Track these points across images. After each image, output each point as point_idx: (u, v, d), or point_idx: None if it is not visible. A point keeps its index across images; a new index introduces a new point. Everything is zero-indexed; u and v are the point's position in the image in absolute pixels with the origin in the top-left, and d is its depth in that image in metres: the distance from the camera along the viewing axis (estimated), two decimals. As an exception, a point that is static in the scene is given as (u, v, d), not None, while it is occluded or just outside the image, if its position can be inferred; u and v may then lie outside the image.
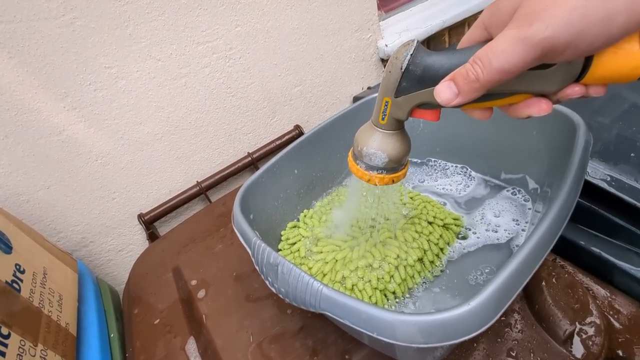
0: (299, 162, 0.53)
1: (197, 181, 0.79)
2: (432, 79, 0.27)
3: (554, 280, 0.41)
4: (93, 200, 0.69)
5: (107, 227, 0.73)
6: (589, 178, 0.43)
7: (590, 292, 0.41)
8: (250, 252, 0.38)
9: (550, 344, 0.37)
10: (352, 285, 0.43)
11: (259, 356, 0.43)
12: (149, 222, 0.75)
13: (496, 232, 0.49)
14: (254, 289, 0.51)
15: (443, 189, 0.57)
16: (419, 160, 0.62)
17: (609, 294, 0.41)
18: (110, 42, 0.60)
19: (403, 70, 0.27)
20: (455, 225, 0.49)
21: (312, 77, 0.86)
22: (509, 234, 0.48)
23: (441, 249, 0.47)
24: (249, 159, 0.82)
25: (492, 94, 0.26)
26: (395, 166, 0.34)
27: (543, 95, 0.26)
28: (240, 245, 0.40)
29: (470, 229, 0.50)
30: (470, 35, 0.27)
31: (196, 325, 0.50)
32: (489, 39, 0.24)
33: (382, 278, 0.43)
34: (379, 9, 0.89)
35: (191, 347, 0.48)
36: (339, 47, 0.86)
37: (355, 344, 0.42)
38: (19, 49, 0.54)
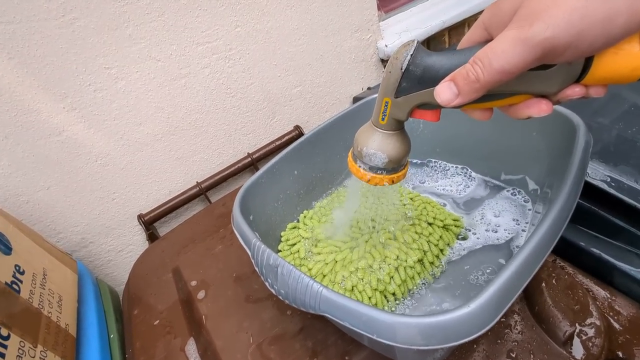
0: (299, 163, 0.53)
1: (197, 182, 0.79)
2: (432, 79, 0.27)
3: (554, 281, 0.41)
4: (93, 201, 0.69)
5: (107, 228, 0.73)
6: (589, 179, 0.43)
7: (590, 293, 0.41)
8: (250, 254, 0.38)
9: (550, 345, 0.37)
10: (352, 287, 0.43)
11: (259, 357, 0.43)
12: (149, 223, 0.75)
13: (496, 232, 0.49)
14: (254, 289, 0.51)
15: (443, 189, 0.57)
16: (420, 161, 0.62)
17: (609, 295, 0.41)
18: (110, 43, 0.60)
19: (403, 70, 0.27)
20: (455, 226, 0.49)
21: (312, 77, 0.85)
22: (508, 233, 0.48)
23: (441, 250, 0.47)
24: (249, 159, 0.82)
25: (492, 95, 0.26)
26: (395, 166, 0.34)
27: (543, 96, 0.26)
28: (240, 246, 0.40)
29: (470, 230, 0.50)
30: (470, 36, 0.27)
31: (196, 326, 0.50)
32: (489, 40, 0.24)
33: (382, 279, 0.43)
34: (378, 9, 0.89)
35: (191, 348, 0.48)
36: (338, 48, 0.86)
37: (355, 346, 0.42)
38: (18, 50, 0.54)
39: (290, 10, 0.75)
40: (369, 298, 0.42)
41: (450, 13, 0.93)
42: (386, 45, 0.89)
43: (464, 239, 0.49)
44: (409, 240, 0.46)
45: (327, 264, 0.46)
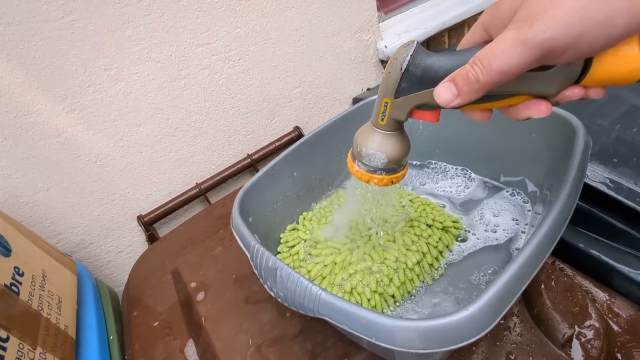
0: (298, 165, 0.53)
1: (196, 183, 0.79)
2: (432, 80, 0.27)
3: (553, 283, 0.41)
4: (92, 202, 0.69)
5: (107, 229, 0.73)
6: (588, 181, 0.43)
7: (590, 295, 0.42)
8: (249, 256, 0.38)
9: (549, 347, 0.37)
10: (351, 289, 0.43)
11: (258, 359, 0.43)
12: (149, 224, 0.75)
13: (495, 232, 0.49)
14: (253, 291, 0.51)
15: (443, 191, 0.57)
16: (420, 163, 0.62)
17: (608, 297, 0.41)
18: (109, 44, 0.60)
19: (403, 71, 0.27)
20: (455, 227, 0.49)
21: (311, 78, 0.85)
22: (508, 233, 0.48)
23: (440, 252, 0.47)
24: (249, 160, 0.82)
25: (492, 95, 0.26)
26: (394, 167, 0.34)
27: (543, 97, 0.26)
28: (240, 247, 0.40)
29: (469, 231, 0.50)
30: (470, 37, 0.27)
31: (195, 328, 0.50)
32: (488, 40, 0.24)
33: (381, 281, 0.43)
34: (378, 10, 0.89)
35: (190, 349, 0.48)
36: (338, 49, 0.86)
37: (355, 348, 0.42)
38: (18, 51, 0.54)
39: (289, 11, 0.75)
40: (368, 300, 0.42)
41: (450, 14, 0.93)
42: (386, 46, 0.89)
43: (464, 240, 0.49)
44: (408, 242, 0.46)
45: (326, 265, 0.46)
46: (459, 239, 0.49)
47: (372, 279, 0.43)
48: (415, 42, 0.27)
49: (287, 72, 0.81)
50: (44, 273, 0.49)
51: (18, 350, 0.38)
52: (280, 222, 0.53)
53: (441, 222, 0.48)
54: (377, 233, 0.47)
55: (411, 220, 0.49)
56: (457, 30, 1.00)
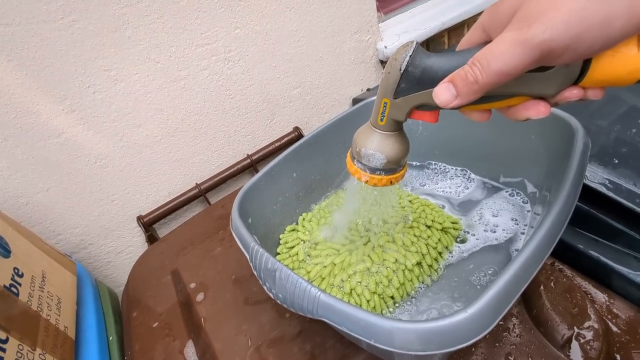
0: (298, 166, 0.53)
1: (196, 183, 0.79)
2: (431, 80, 0.27)
3: (552, 284, 0.41)
4: (92, 203, 0.69)
5: (106, 229, 0.73)
6: (587, 182, 0.43)
7: (589, 296, 0.42)
8: (248, 257, 0.38)
9: (549, 348, 0.37)
10: (351, 290, 0.43)
11: (258, 360, 0.43)
12: (148, 224, 0.75)
13: (495, 232, 0.49)
14: (253, 292, 0.51)
15: (443, 191, 0.57)
16: (419, 164, 0.62)
17: (607, 298, 0.41)
18: (109, 45, 0.60)
19: (402, 71, 0.27)
20: (454, 228, 0.49)
21: (311, 79, 0.85)
22: (507, 233, 0.48)
23: (440, 253, 0.47)
24: (248, 160, 0.82)
25: (491, 96, 0.26)
26: (393, 167, 0.34)
27: (541, 98, 0.26)
28: (239, 248, 0.40)
29: (468, 232, 0.50)
30: (469, 37, 0.27)
31: (195, 329, 0.50)
32: (487, 41, 0.25)
33: (381, 282, 0.43)
34: (378, 10, 0.89)
35: (190, 350, 0.48)
36: (338, 49, 0.86)
37: (354, 349, 0.42)
38: (17, 52, 0.54)
39: (289, 12, 0.75)
40: (368, 301, 0.42)
41: (449, 14, 0.93)
42: (385, 47, 0.89)
43: (463, 241, 0.49)
44: (408, 243, 0.46)
45: (325, 266, 0.46)
46: (458, 240, 0.49)
47: (371, 280, 0.43)
48: (415, 43, 0.27)
49: (287, 72, 0.81)
50: (43, 274, 0.49)
51: (17, 352, 0.39)
52: (280, 223, 0.53)
53: (440, 223, 0.48)
54: (376, 234, 0.47)
55: (410, 221, 0.49)
56: (456, 30, 1.00)
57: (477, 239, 0.49)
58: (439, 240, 0.47)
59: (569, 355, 0.36)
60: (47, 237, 0.67)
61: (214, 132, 0.77)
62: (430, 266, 0.45)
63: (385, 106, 0.30)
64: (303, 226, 0.53)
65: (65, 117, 0.61)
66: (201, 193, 0.78)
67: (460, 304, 0.42)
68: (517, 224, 0.49)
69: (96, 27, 0.58)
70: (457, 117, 0.34)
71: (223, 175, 0.80)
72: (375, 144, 0.33)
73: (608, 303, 0.41)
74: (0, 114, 0.56)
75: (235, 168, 0.81)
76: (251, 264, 0.38)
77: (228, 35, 0.70)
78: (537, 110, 0.26)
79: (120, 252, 0.77)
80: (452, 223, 0.49)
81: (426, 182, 0.59)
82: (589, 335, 0.37)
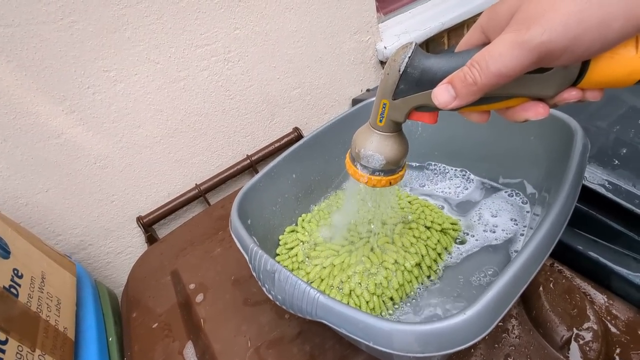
0: (297, 166, 0.53)
1: (196, 184, 0.79)
2: (430, 81, 0.27)
3: (551, 285, 0.41)
4: (92, 203, 0.69)
5: (106, 230, 0.73)
6: (586, 183, 0.43)
7: (588, 297, 0.42)
8: (247, 259, 0.38)
9: (548, 349, 0.37)
10: (350, 291, 0.43)
11: (257, 361, 0.43)
12: (148, 225, 0.75)
13: (494, 232, 0.49)
14: (252, 293, 0.51)
15: (442, 192, 0.57)
16: (419, 164, 0.62)
17: (606, 299, 0.41)
18: (108, 46, 0.60)
19: (401, 72, 0.27)
20: (453, 229, 0.49)
21: (311, 79, 0.85)
22: (507, 234, 0.48)
23: (439, 254, 0.47)
24: (248, 161, 0.82)
25: (490, 97, 0.26)
26: (392, 168, 0.34)
27: (540, 99, 0.26)
28: (238, 249, 0.40)
29: (468, 233, 0.50)
30: (468, 39, 0.27)
31: (194, 330, 0.50)
32: (486, 43, 0.25)
33: (380, 283, 0.43)
34: (377, 11, 0.89)
35: (189, 351, 0.48)
36: (337, 50, 0.86)
37: (353, 350, 0.42)
38: (17, 53, 0.54)
39: (289, 12, 0.75)
40: (367, 302, 0.42)
41: (449, 15, 0.93)
42: (385, 47, 0.89)
43: (462, 242, 0.49)
44: (407, 244, 0.46)
45: (325, 267, 0.46)
46: (457, 241, 0.49)
47: (370, 281, 0.43)
48: (414, 44, 0.27)
49: (287, 73, 0.81)
50: (43, 275, 0.49)
51: (17, 353, 0.39)
52: (279, 224, 0.53)
53: (440, 224, 0.48)
54: (375, 235, 0.47)
55: (410, 222, 0.49)
56: (456, 31, 1.00)
57: (476, 240, 0.49)
58: (438, 241, 0.47)
59: (568, 357, 0.37)
60: (46, 237, 0.67)
61: (213, 132, 0.77)
62: (429, 267, 0.45)
63: (384, 107, 0.30)
64: (302, 227, 0.53)
65: (64, 117, 0.61)
66: (201, 194, 0.78)
67: (460, 305, 0.42)
68: (517, 224, 0.49)
69: (96, 28, 0.58)
70: (456, 118, 0.34)
71: (223, 176, 0.80)
72: (374, 145, 0.33)
73: (607, 304, 0.41)
74: (-1, 115, 0.56)
75: (235, 169, 0.81)
76: (250, 266, 0.38)
77: (228, 36, 0.70)
78: (535, 112, 0.26)
79: (120, 252, 0.77)
80: (452, 224, 0.49)
81: (426, 182, 0.59)
82: (588, 336, 0.37)
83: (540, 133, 0.46)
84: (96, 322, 0.54)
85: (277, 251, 0.51)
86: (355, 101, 0.93)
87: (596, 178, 0.43)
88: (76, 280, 0.57)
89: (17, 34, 0.53)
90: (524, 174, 0.51)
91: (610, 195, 0.42)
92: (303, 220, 0.54)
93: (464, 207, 0.54)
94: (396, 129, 0.32)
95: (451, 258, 0.47)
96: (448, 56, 0.26)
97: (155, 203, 0.76)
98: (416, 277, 0.44)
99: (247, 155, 0.83)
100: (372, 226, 0.46)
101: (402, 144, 0.33)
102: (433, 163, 0.61)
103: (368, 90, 0.94)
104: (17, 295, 0.43)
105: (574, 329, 0.38)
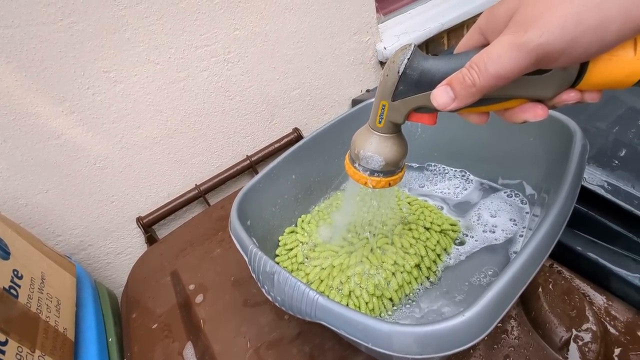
0: (297, 167, 0.53)
1: (195, 184, 0.79)
2: (429, 83, 0.27)
3: (550, 286, 0.41)
4: (91, 204, 0.69)
5: (106, 231, 0.73)
6: (586, 184, 0.43)
7: (587, 298, 0.42)
8: (246, 260, 0.38)
9: (547, 350, 0.37)
10: (349, 292, 0.43)
11: (257, 362, 0.43)
12: (148, 226, 0.75)
13: (494, 232, 0.49)
14: (252, 294, 0.51)
15: (441, 192, 0.57)
16: (419, 165, 0.62)
17: (605, 300, 0.41)
18: (108, 47, 0.60)
19: (400, 74, 0.27)
20: (453, 231, 0.49)
21: (310, 80, 0.86)
22: (506, 234, 0.48)
23: (438, 255, 0.47)
24: (248, 162, 0.82)
25: (488, 99, 0.26)
26: (392, 169, 0.34)
27: (539, 101, 0.26)
28: (238, 250, 0.40)
29: (467, 235, 0.50)
30: (467, 40, 0.27)
31: (194, 330, 0.50)
32: (485, 44, 0.25)
33: (379, 284, 0.43)
34: (377, 11, 0.89)
35: (189, 352, 0.48)
36: (337, 50, 0.86)
37: (352, 351, 0.42)
38: (17, 54, 0.54)
39: (288, 13, 0.75)
40: (366, 303, 0.42)
41: (448, 15, 0.93)
42: (385, 48, 0.89)
43: (462, 243, 0.49)
44: (406, 245, 0.46)
45: (324, 268, 0.46)
46: (456, 242, 0.49)
47: (370, 282, 0.43)
48: (413, 46, 0.27)
49: (286, 73, 0.81)
50: (42, 275, 0.49)
51: (17, 354, 0.39)
52: (279, 225, 0.53)
53: (439, 225, 0.48)
54: (375, 236, 0.47)
55: (409, 223, 0.49)
56: (456, 31, 1.00)
57: (475, 241, 0.49)
58: (437, 242, 0.47)
59: (567, 358, 0.37)
60: (46, 238, 0.67)
61: (213, 133, 0.77)
62: (429, 268, 0.45)
63: (383, 108, 0.30)
64: (302, 228, 0.53)
65: (64, 118, 0.61)
66: (200, 194, 0.78)
67: (460, 306, 0.43)
68: (516, 224, 0.49)
69: (95, 29, 0.58)
70: (456, 119, 0.34)
71: (222, 177, 0.80)
72: (373, 146, 0.33)
73: (606, 305, 0.41)
74: (-1, 116, 0.56)
75: (235, 169, 0.81)
76: (250, 267, 0.38)
77: (227, 36, 0.70)
78: (534, 113, 0.26)
79: (120, 253, 0.77)
80: (451, 225, 0.49)
81: (425, 183, 0.60)
82: (587, 337, 0.37)
83: (539, 134, 0.47)
84: (96, 322, 0.54)
85: (277, 252, 0.51)
86: (355, 102, 0.93)
87: (595, 179, 0.44)
88: (76, 280, 0.57)
89: (17, 35, 0.53)
90: (524, 175, 0.51)
91: (609, 196, 0.42)
92: (303, 221, 0.54)
93: (463, 207, 0.54)
94: (395, 130, 0.33)
95: (450, 259, 0.47)
96: (447, 58, 0.26)
97: (155, 203, 0.77)
98: (415, 278, 0.44)
99: (247, 155, 0.83)
100: (372, 227, 0.46)
101: (402, 145, 0.34)
102: (433, 164, 0.61)
103: (368, 90, 0.94)
104: (16, 296, 0.43)
105: (573, 329, 0.38)
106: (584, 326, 0.38)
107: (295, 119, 0.88)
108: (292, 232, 0.53)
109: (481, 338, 0.26)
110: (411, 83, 0.28)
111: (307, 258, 0.48)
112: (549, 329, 0.38)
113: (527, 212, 0.50)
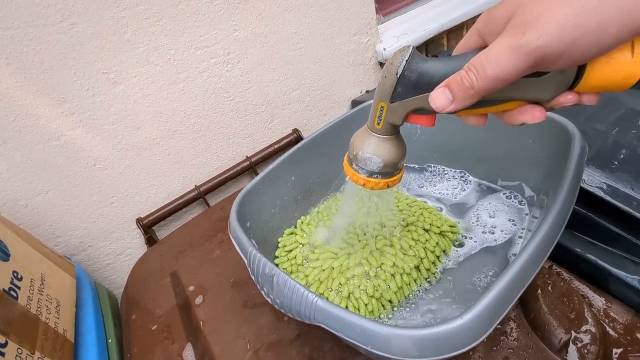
0: (296, 169, 0.53)
1: (195, 185, 0.79)
2: (427, 85, 0.27)
3: (549, 288, 0.42)
4: (91, 205, 0.69)
5: (106, 231, 0.73)
6: (585, 185, 0.43)
7: (586, 299, 0.42)
8: (246, 262, 0.38)
9: (546, 352, 0.38)
10: (349, 294, 0.43)
11: (256, 363, 0.43)
12: (147, 226, 0.75)
13: (493, 233, 0.49)
14: (251, 295, 0.51)
15: (440, 193, 0.57)
16: (419, 166, 0.62)
17: (604, 302, 0.41)
18: (108, 48, 0.60)
19: (398, 75, 0.27)
20: (452, 232, 0.49)
21: (310, 81, 0.86)
22: (506, 234, 0.48)
23: (437, 257, 0.47)
24: (248, 162, 0.82)
25: (487, 101, 0.26)
26: (390, 171, 0.34)
27: (537, 103, 0.26)
28: (237, 252, 0.40)
29: (466, 236, 0.50)
30: (465, 42, 0.27)
31: (194, 332, 0.50)
32: (483, 46, 0.25)
33: (379, 286, 0.43)
34: (377, 12, 0.89)
35: (188, 353, 0.48)
36: (337, 51, 0.86)
37: (352, 353, 0.42)
38: (17, 55, 0.54)
39: (288, 14, 0.75)
40: (365, 305, 0.42)
41: (448, 16, 0.93)
42: (384, 49, 0.89)
43: (461, 245, 0.49)
44: (406, 247, 0.46)
45: (323, 270, 0.46)
46: (456, 243, 0.49)
47: (369, 284, 0.43)
48: (411, 47, 0.27)
49: (286, 74, 0.81)
50: (42, 277, 0.49)
51: (17, 355, 0.39)
52: (278, 227, 0.53)
53: (438, 227, 0.48)
54: (374, 237, 0.47)
55: (408, 224, 0.49)
56: (455, 32, 1.00)
57: (474, 242, 0.49)
58: (436, 243, 0.47)
59: (566, 359, 0.37)
60: (46, 239, 0.67)
61: (213, 134, 0.77)
62: (428, 270, 0.45)
63: (382, 110, 0.30)
64: (301, 229, 0.53)
65: (64, 119, 0.61)
66: (200, 195, 0.78)
67: (459, 307, 0.43)
68: (515, 225, 0.49)
69: (95, 30, 0.58)
70: (455, 120, 0.34)
71: (222, 177, 0.80)
72: (372, 148, 0.33)
73: (605, 307, 0.41)
74: (-1, 117, 0.56)
75: (235, 170, 0.81)
76: (249, 269, 0.38)
77: (227, 37, 0.70)
78: (532, 115, 0.26)
79: (120, 254, 0.77)
80: (450, 227, 0.49)
81: (425, 184, 0.60)
82: (586, 339, 0.37)
83: (538, 136, 0.47)
84: (96, 324, 0.54)
85: (276, 253, 0.51)
86: (354, 102, 0.93)
87: (594, 181, 0.44)
88: (76, 282, 0.57)
89: (16, 36, 0.53)
90: (523, 176, 0.51)
91: (608, 198, 0.42)
92: (302, 222, 0.54)
93: (462, 208, 0.54)
94: (394, 131, 0.33)
95: (450, 260, 0.47)
96: (445, 60, 0.26)
97: (154, 204, 0.77)
98: (415, 280, 0.45)
99: (247, 156, 0.83)
100: (371, 229, 0.47)
101: (400, 147, 0.34)
102: (432, 165, 0.61)
103: (368, 91, 0.94)
104: (16, 298, 0.43)
105: (572, 331, 0.38)
106: (583, 328, 0.38)
107: (295, 120, 0.88)
108: (291, 233, 0.53)
109: (480, 341, 0.26)
110: (409, 85, 0.28)
111: (306, 260, 0.48)
112: (548, 331, 0.38)
113: (526, 214, 0.50)
